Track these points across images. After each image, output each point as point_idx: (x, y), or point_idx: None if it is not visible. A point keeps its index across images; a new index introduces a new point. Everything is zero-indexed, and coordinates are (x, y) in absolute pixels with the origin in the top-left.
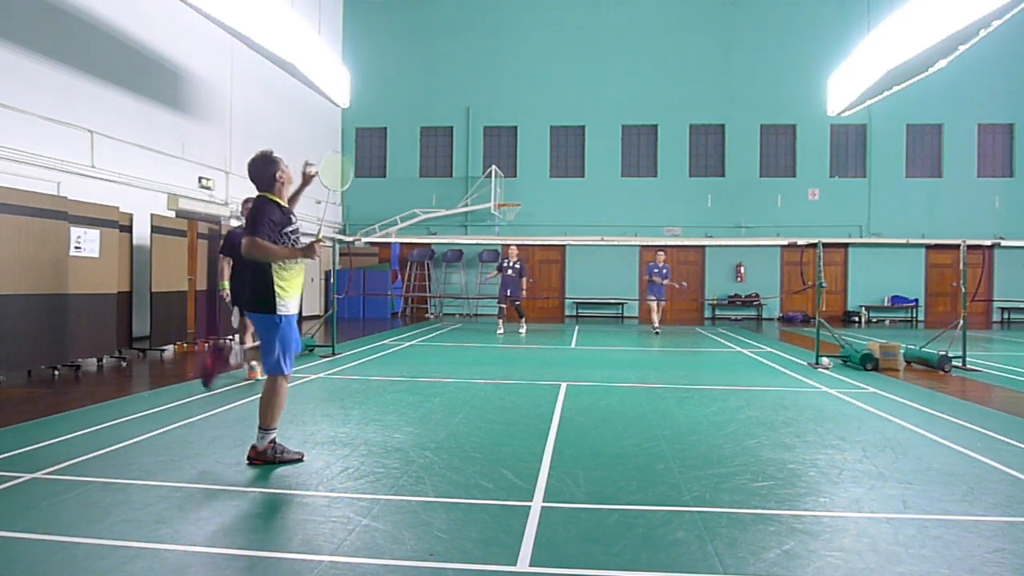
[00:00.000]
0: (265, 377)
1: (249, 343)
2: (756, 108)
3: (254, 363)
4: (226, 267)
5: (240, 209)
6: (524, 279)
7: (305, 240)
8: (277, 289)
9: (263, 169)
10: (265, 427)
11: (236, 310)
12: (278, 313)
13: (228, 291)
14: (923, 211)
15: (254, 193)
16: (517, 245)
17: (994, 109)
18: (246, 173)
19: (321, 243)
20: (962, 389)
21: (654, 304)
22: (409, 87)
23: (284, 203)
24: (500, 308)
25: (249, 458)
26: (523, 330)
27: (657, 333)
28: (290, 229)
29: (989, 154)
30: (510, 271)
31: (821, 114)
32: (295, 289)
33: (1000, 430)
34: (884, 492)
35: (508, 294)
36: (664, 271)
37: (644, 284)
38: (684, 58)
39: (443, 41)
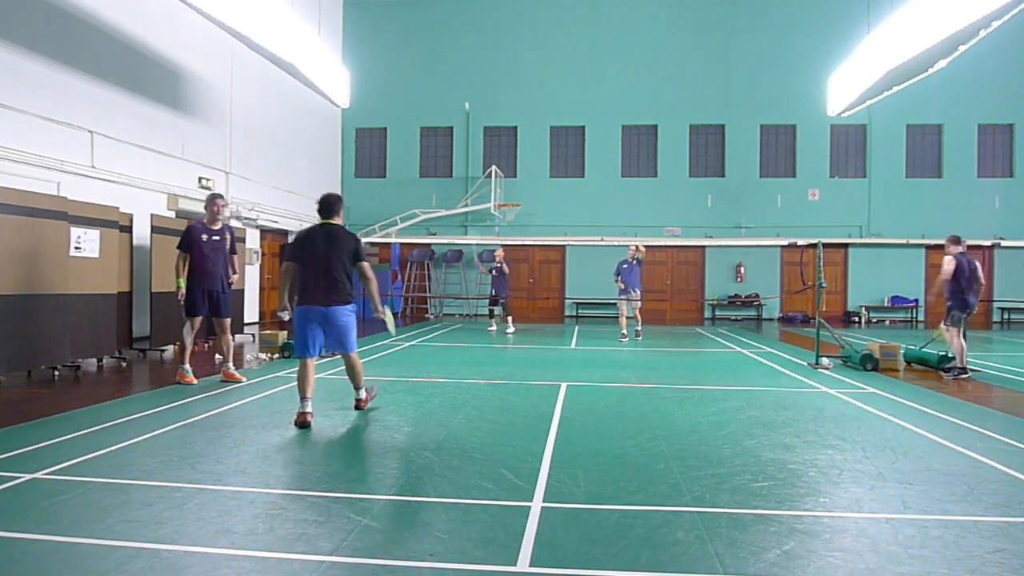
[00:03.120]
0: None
1: (188, 348)
2: (756, 108)
3: (229, 364)
4: (183, 263)
5: (211, 207)
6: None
7: None
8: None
9: (337, 206)
10: (357, 386)
11: (194, 316)
12: (354, 303)
13: (183, 288)
14: (923, 211)
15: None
16: (515, 246)
17: (994, 109)
18: (321, 208)
19: None
20: (962, 389)
21: (623, 305)
22: (409, 87)
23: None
24: (490, 309)
25: (358, 407)
26: (493, 328)
27: (634, 336)
28: None
29: (989, 154)
30: (494, 272)
31: (821, 114)
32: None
33: (1000, 430)
34: (884, 492)
35: (492, 293)
36: (633, 264)
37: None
38: (684, 58)
39: (443, 41)
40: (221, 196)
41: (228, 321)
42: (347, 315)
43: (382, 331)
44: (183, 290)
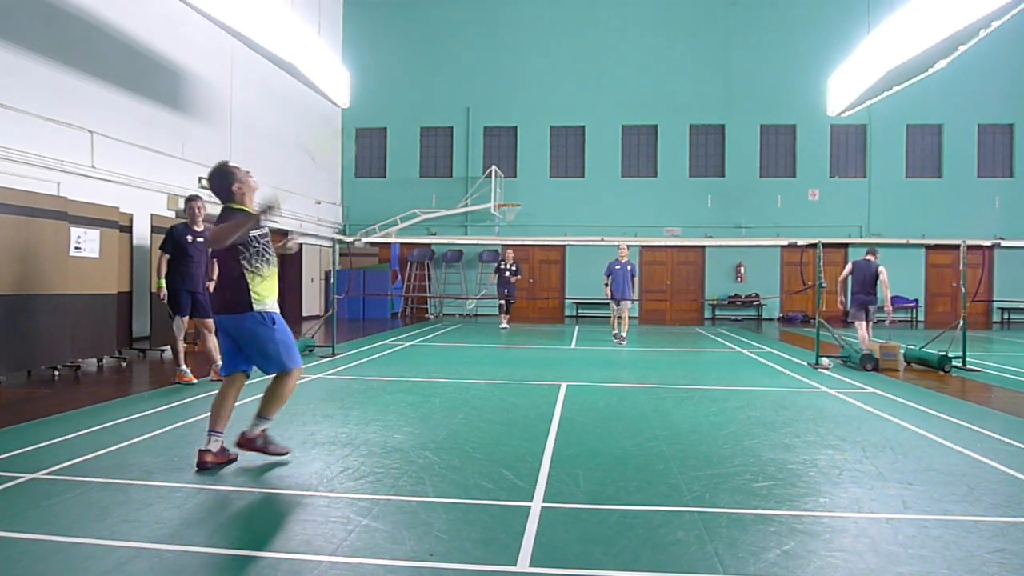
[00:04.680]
0: (223, 377)
1: (181, 350)
2: (756, 108)
3: (219, 363)
4: (163, 264)
5: (190, 208)
6: (517, 277)
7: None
8: (252, 293)
9: (220, 182)
10: (262, 415)
11: (178, 317)
12: (255, 310)
13: (165, 289)
14: (923, 211)
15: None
16: (514, 246)
17: (994, 109)
18: (209, 186)
19: (289, 233)
20: (962, 389)
21: (615, 306)
22: (409, 87)
23: (251, 210)
24: (500, 305)
25: (238, 443)
26: (505, 325)
27: (621, 341)
28: (259, 234)
29: (989, 154)
30: (507, 272)
31: (821, 114)
32: (270, 292)
33: (1000, 430)
34: (884, 492)
35: (505, 292)
36: (628, 268)
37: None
38: (684, 58)
39: (443, 41)
40: (199, 197)
41: (211, 321)
42: (253, 322)
43: (380, 331)
44: (165, 290)
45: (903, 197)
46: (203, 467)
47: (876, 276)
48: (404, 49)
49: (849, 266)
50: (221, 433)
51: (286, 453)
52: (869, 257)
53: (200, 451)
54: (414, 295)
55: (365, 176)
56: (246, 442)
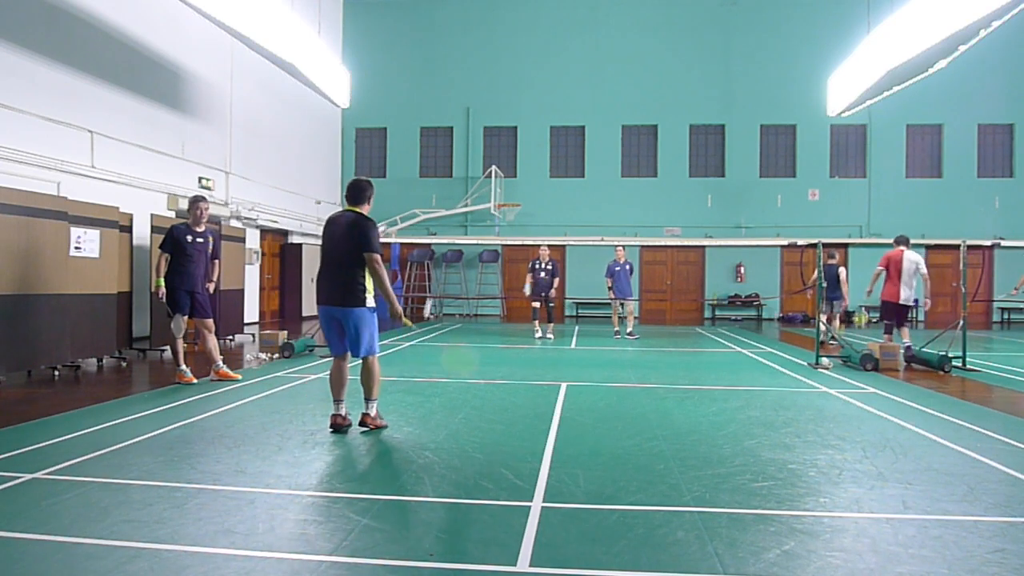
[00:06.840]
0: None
1: (181, 350)
2: (756, 108)
3: (219, 363)
4: (163, 264)
5: (194, 209)
6: (556, 279)
7: None
8: (366, 286)
9: (363, 193)
10: (372, 398)
11: (177, 315)
12: (367, 306)
13: (164, 288)
14: (923, 211)
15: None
16: (515, 246)
17: (994, 109)
18: (347, 192)
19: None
20: (962, 389)
21: (618, 305)
22: (409, 87)
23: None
24: (534, 309)
25: (363, 423)
26: (551, 334)
27: (626, 335)
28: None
29: (989, 154)
30: (543, 272)
31: (821, 114)
32: (371, 288)
33: (1000, 430)
34: (884, 492)
35: (543, 295)
36: (628, 268)
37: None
38: (684, 58)
39: (443, 41)
40: (204, 199)
41: (210, 321)
42: (360, 316)
43: (380, 331)
44: (163, 289)
45: (903, 197)
46: (337, 429)
47: (837, 276)
48: (404, 49)
49: (821, 271)
50: (343, 400)
51: (386, 426)
52: (831, 261)
53: (332, 415)
54: (414, 295)
55: (365, 176)
56: (371, 420)
